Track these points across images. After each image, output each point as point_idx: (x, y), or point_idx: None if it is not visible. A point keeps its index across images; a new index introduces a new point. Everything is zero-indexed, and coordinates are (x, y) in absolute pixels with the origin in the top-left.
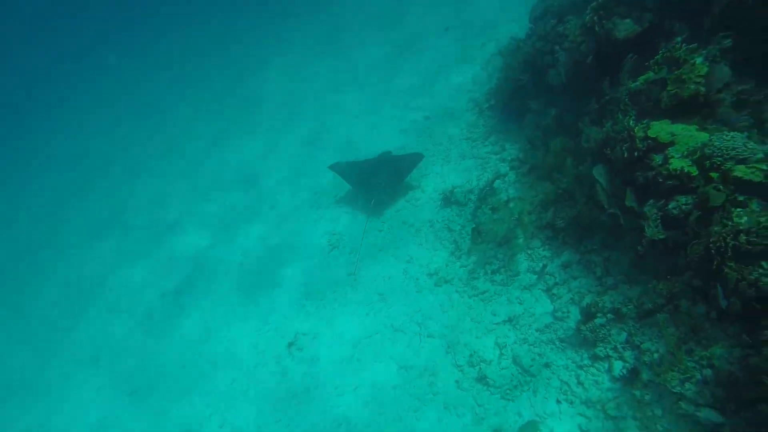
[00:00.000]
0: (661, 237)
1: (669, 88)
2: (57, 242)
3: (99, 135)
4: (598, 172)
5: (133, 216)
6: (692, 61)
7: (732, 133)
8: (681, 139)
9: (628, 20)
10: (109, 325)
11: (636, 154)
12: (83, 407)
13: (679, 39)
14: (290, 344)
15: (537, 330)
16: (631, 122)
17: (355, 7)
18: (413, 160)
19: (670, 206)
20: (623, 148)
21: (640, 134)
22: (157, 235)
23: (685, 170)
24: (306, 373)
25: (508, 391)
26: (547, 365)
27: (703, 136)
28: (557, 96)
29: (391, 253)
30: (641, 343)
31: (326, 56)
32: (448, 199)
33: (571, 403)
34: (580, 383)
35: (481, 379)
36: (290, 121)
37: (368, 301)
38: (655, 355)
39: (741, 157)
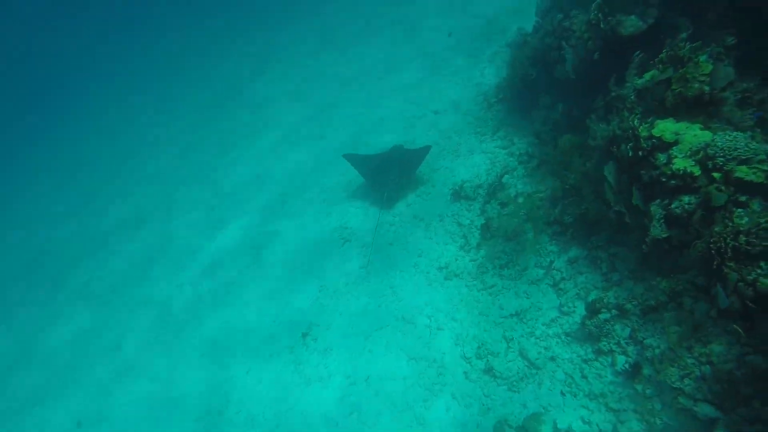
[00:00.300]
0: (665, 236)
1: (673, 87)
2: (70, 251)
3: (102, 143)
4: (609, 170)
5: (147, 221)
6: (696, 60)
7: (735, 133)
8: (685, 138)
9: (632, 17)
10: (134, 319)
11: (640, 153)
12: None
13: (684, 35)
14: (304, 335)
15: (543, 324)
16: (636, 121)
17: (353, 6)
18: (423, 153)
19: (673, 206)
20: (628, 147)
21: (645, 134)
22: (168, 239)
23: (688, 170)
24: (319, 363)
25: (514, 383)
26: (552, 358)
27: (707, 135)
28: (566, 91)
29: (402, 247)
30: (644, 338)
31: (328, 55)
32: (458, 194)
33: (575, 395)
34: (584, 376)
35: (489, 370)
36: (295, 121)
37: (380, 293)
38: (657, 351)
39: (743, 157)
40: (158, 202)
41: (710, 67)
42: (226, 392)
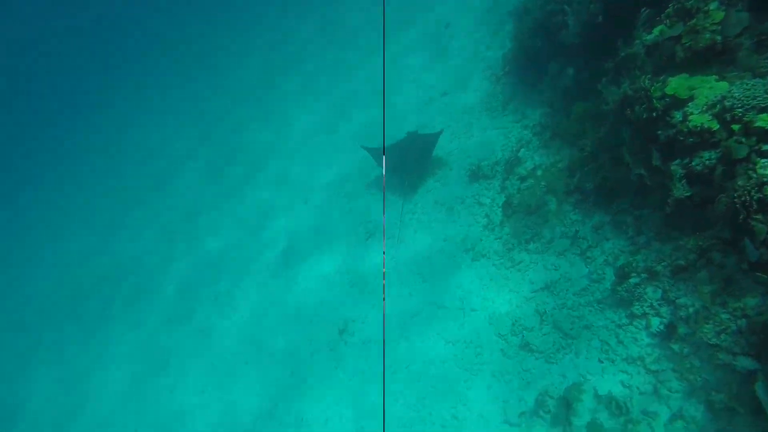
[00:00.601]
0: (688, 194)
1: (683, 40)
2: (110, 278)
3: (110, 156)
4: (626, 133)
5: (177, 242)
6: (706, 9)
7: (753, 81)
8: (700, 93)
9: None
10: (178, 339)
11: (654, 114)
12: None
13: None
14: (341, 331)
15: (574, 294)
16: (647, 82)
17: (351, 2)
18: (437, 137)
19: (693, 163)
20: (642, 109)
21: (657, 93)
22: (197, 254)
23: (706, 126)
24: (359, 356)
25: (551, 355)
26: (586, 327)
27: (723, 87)
28: (572, 56)
29: (426, 233)
30: (676, 298)
31: (332, 50)
32: (476, 174)
33: (613, 361)
34: (620, 342)
35: (525, 345)
36: (306, 119)
37: (410, 282)
38: (691, 310)
39: (763, 105)
40: (185, 219)
41: (722, 14)
42: (274, 396)
